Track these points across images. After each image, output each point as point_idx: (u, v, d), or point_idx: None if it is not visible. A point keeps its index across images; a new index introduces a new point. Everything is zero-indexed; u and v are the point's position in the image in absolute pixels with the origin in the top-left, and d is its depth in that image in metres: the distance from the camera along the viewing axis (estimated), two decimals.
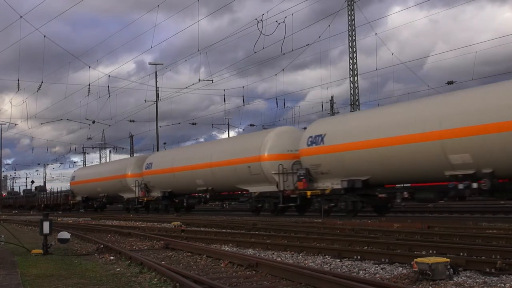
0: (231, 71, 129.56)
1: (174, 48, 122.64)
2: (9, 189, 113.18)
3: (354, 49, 37.30)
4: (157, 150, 52.47)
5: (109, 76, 47.76)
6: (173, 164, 34.27)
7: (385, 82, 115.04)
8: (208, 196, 31.76)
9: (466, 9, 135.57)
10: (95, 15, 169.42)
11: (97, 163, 79.53)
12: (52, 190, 62.47)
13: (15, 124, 66.04)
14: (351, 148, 21.83)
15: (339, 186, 22.50)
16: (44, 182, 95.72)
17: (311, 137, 23.91)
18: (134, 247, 12.90)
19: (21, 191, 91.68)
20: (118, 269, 9.04)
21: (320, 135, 23.41)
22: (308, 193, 23.76)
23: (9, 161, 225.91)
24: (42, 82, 38.78)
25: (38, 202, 61.53)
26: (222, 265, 9.15)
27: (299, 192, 24.36)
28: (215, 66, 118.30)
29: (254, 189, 27.46)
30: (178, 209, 36.10)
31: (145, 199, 37.90)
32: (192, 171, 32.21)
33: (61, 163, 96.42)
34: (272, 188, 26.25)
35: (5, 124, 68.65)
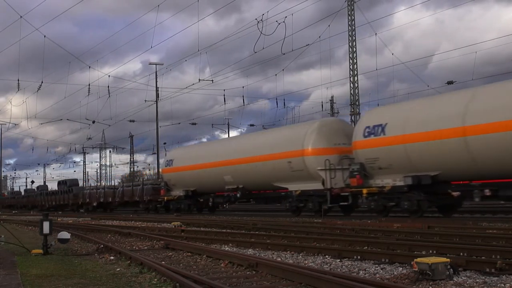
0: (235, 71, 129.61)
1: (180, 48, 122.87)
2: (9, 189, 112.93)
3: (354, 49, 37.33)
4: (157, 150, 51.95)
5: (109, 76, 47.86)
6: (465, 122, 17.97)
7: (389, 82, 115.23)
8: None
9: (472, 9, 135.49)
10: (103, 15, 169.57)
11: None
12: (126, 183, 46.92)
13: (15, 124, 65.97)
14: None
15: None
16: (44, 182, 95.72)
17: (368, 127, 21.45)
18: (134, 247, 12.90)
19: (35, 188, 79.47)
20: (118, 269, 9.04)
21: (380, 124, 20.96)
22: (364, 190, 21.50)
23: (11, 161, 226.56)
24: (42, 82, 38.96)
25: (78, 200, 48.34)
26: (222, 265, 9.15)
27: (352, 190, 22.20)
28: (220, 66, 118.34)
29: None
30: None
31: (364, 191, 21.55)
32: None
33: (61, 163, 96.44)
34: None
35: (5, 124, 68.39)
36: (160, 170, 43.14)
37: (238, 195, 29.31)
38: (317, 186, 23.94)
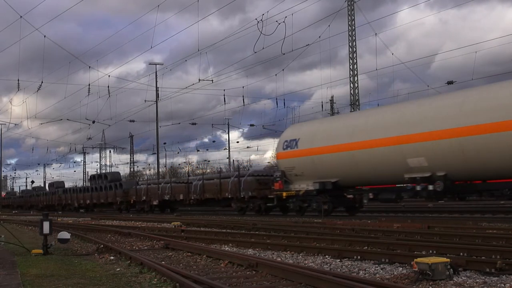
0: (237, 71, 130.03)
1: (183, 47, 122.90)
2: (9, 189, 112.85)
3: (355, 49, 37.34)
4: (157, 150, 52.01)
5: (109, 76, 47.87)
6: None
7: (392, 82, 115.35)
8: None
9: (476, 9, 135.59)
10: (107, 15, 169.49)
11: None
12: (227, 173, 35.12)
13: (15, 124, 66.01)
14: None
15: None
16: (44, 182, 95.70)
17: None
18: (134, 247, 12.90)
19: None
20: (118, 269, 9.04)
21: None
22: None
23: (13, 161, 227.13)
24: (42, 82, 39.06)
25: (129, 197, 39.65)
26: (222, 265, 9.15)
27: None
28: (223, 65, 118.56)
29: None
30: None
31: None
32: None
33: (61, 163, 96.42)
34: None
35: (5, 124, 68.30)
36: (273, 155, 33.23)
37: (434, 187, 18.36)
38: None
